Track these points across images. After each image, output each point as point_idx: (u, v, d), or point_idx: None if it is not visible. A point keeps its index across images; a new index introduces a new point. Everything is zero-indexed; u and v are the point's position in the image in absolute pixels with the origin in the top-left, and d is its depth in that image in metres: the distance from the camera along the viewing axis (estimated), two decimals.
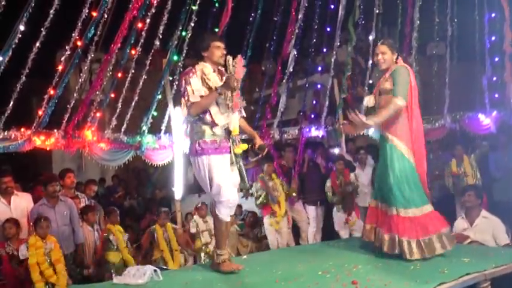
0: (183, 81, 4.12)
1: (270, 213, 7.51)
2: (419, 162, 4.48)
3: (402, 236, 4.26)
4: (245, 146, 4.30)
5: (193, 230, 7.48)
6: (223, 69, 4.29)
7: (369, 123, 4.34)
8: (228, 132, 4.23)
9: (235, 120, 4.26)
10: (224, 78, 4.09)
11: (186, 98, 4.07)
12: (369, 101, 4.79)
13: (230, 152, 4.20)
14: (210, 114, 4.09)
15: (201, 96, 4.07)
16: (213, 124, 4.11)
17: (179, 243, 7.29)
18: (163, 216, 7.02)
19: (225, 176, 4.12)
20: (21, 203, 6.04)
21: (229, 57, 4.10)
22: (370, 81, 9.42)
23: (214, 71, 4.21)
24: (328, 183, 7.81)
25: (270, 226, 7.53)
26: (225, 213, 4.20)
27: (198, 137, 4.13)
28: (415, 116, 4.48)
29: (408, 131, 4.44)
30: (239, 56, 4.11)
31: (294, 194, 7.81)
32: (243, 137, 4.66)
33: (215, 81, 4.13)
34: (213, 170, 4.09)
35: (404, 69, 4.47)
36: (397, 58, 4.58)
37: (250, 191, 8.02)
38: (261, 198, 7.44)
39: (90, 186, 7.26)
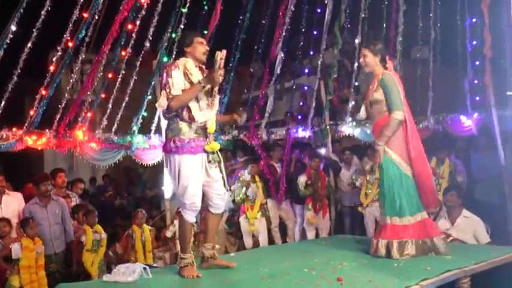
0: (165, 74, 4.02)
1: (245, 215, 7.55)
2: (422, 168, 4.50)
3: (387, 238, 4.33)
4: (217, 146, 4.12)
5: (168, 235, 7.43)
6: (204, 66, 4.22)
7: (379, 148, 4.42)
8: (204, 129, 4.08)
9: (213, 117, 4.12)
10: (208, 71, 4.03)
11: (168, 91, 3.93)
12: (362, 114, 4.84)
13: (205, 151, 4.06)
14: (189, 110, 3.96)
15: (183, 91, 3.96)
16: (191, 121, 3.99)
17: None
18: (140, 216, 6.97)
19: (193, 178, 3.98)
20: (12, 203, 6.02)
21: (219, 52, 3.98)
22: (356, 83, 9.49)
23: (196, 67, 4.11)
24: (302, 179, 7.80)
25: (245, 228, 7.55)
26: (189, 216, 4.07)
27: (174, 134, 3.99)
28: (409, 120, 4.50)
29: (402, 139, 4.45)
30: (224, 51, 4.00)
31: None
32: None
33: (197, 76, 4.03)
34: (182, 170, 3.95)
35: (391, 78, 4.47)
36: (383, 61, 4.60)
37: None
38: (241, 195, 7.44)
39: (77, 184, 7.24)
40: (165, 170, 7.77)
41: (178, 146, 3.94)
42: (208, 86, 4.00)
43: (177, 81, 3.95)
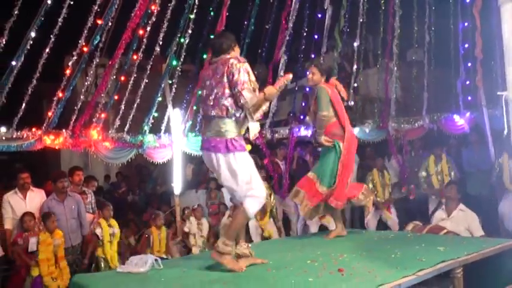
0: (243, 69, 3.69)
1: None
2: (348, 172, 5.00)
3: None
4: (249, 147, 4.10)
5: (186, 230, 7.48)
6: None
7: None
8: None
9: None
10: (269, 86, 3.83)
11: (252, 86, 3.69)
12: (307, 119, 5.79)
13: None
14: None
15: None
16: (246, 122, 3.85)
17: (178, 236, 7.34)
18: (160, 218, 6.99)
19: (257, 173, 3.88)
20: (35, 198, 6.09)
21: (289, 75, 3.90)
22: (355, 85, 9.50)
23: None
24: None
25: (254, 230, 7.53)
26: (255, 209, 3.81)
27: (233, 133, 3.75)
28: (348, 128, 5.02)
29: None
30: (291, 76, 3.95)
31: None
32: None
33: (254, 81, 3.78)
34: (250, 165, 3.80)
35: (321, 89, 5.00)
36: (327, 80, 5.11)
37: None
38: None
39: (91, 181, 7.28)
40: (174, 168, 7.90)
41: (242, 144, 3.80)
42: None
43: (253, 79, 3.75)
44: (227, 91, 3.72)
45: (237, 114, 3.79)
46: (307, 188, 5.07)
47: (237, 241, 3.93)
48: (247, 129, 3.98)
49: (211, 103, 3.78)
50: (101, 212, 6.52)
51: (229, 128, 3.76)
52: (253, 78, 3.75)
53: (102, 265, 6.20)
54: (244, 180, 3.76)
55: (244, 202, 3.77)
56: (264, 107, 3.91)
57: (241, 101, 3.69)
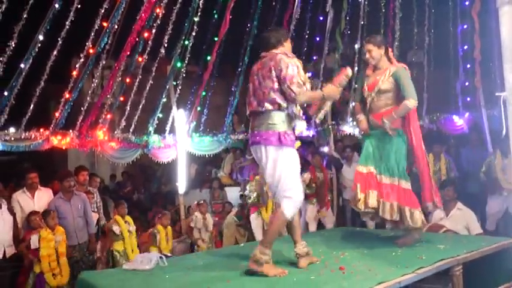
0: (291, 64, 3.55)
1: (257, 211, 7.54)
2: (423, 165, 4.50)
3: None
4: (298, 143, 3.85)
5: (192, 225, 7.50)
6: None
7: (387, 122, 4.30)
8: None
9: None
10: (331, 84, 3.75)
11: (302, 82, 3.54)
12: (357, 96, 4.79)
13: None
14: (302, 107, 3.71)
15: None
16: (297, 118, 3.71)
17: (183, 233, 7.33)
18: (165, 218, 6.97)
19: (299, 175, 3.72)
20: (43, 197, 6.11)
21: (348, 71, 3.79)
22: (356, 86, 9.47)
23: None
24: (305, 175, 7.58)
25: (256, 224, 7.53)
26: (292, 212, 3.61)
27: (283, 127, 3.59)
28: (413, 115, 4.53)
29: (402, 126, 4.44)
30: (350, 71, 3.81)
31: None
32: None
33: (305, 77, 3.63)
34: (295, 163, 3.65)
35: (405, 71, 4.38)
36: (386, 51, 4.48)
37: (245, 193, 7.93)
38: (252, 198, 7.38)
39: (94, 179, 7.29)
40: (179, 167, 7.90)
41: (292, 139, 3.65)
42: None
43: (302, 74, 3.60)
44: (276, 85, 3.57)
45: (289, 109, 3.64)
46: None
47: (296, 241, 3.80)
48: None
49: (261, 97, 3.63)
50: (116, 210, 6.57)
51: (281, 121, 3.60)
52: (302, 73, 3.61)
53: (119, 259, 6.20)
54: (287, 177, 3.58)
55: (281, 203, 3.60)
56: (326, 107, 3.81)
57: (291, 96, 3.53)
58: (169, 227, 7.02)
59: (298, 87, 3.52)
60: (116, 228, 6.28)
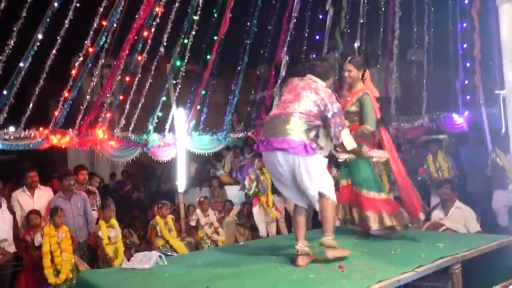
0: (337, 107, 3.81)
1: (259, 204, 7.55)
2: (403, 180, 4.65)
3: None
4: None
5: (192, 223, 7.48)
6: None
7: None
8: None
9: None
10: (360, 151, 4.29)
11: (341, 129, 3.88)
12: None
13: None
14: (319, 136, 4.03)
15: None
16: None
17: (183, 232, 7.31)
18: (165, 208, 6.95)
19: (329, 174, 3.94)
20: (43, 196, 6.10)
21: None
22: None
23: None
24: None
25: (259, 216, 7.56)
26: (333, 195, 3.87)
27: (311, 137, 3.78)
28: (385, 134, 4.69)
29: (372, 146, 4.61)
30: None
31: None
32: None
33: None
34: (322, 166, 3.86)
35: (369, 99, 4.53)
36: (363, 74, 4.67)
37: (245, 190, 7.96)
38: (253, 188, 7.44)
39: (94, 178, 7.28)
40: (178, 166, 7.90)
41: (315, 146, 3.80)
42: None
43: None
44: (316, 109, 3.73)
45: (315, 130, 3.88)
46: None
47: (324, 231, 3.90)
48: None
49: (296, 106, 3.74)
50: (101, 212, 6.43)
51: (308, 130, 3.77)
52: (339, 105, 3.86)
53: (101, 265, 6.13)
54: (319, 179, 3.77)
55: (322, 193, 3.80)
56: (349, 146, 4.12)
57: (335, 141, 3.92)
58: (169, 217, 6.96)
59: (347, 135, 4.00)
60: (100, 233, 6.20)
